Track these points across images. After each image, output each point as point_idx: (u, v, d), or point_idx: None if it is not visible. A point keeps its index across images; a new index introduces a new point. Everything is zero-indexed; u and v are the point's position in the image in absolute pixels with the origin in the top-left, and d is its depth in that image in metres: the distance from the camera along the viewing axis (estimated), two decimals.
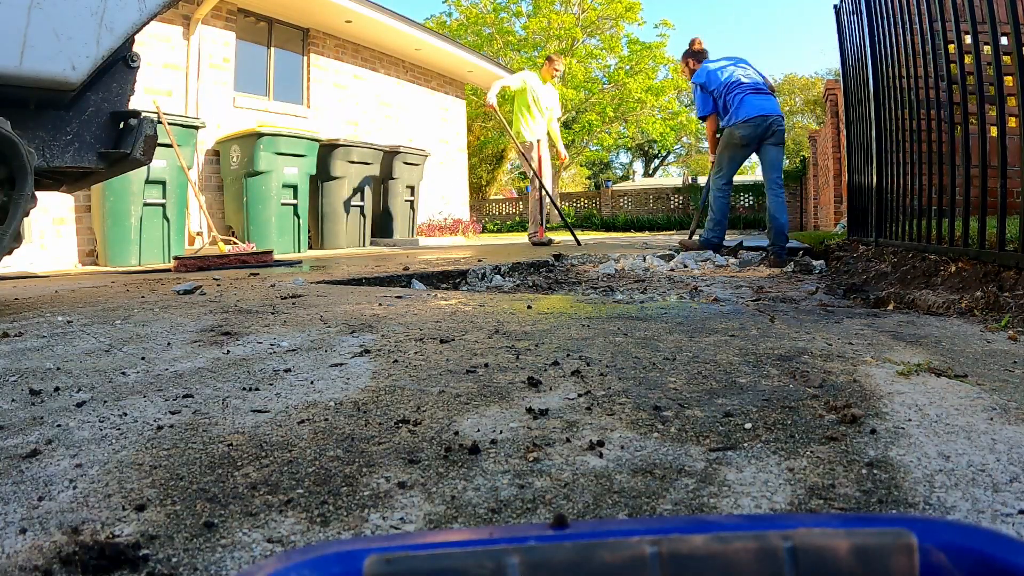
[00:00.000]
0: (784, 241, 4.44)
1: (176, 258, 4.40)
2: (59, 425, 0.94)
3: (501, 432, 0.87)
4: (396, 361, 1.31)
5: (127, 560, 0.56)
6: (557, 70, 6.96)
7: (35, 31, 2.18)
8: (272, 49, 7.62)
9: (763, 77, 4.81)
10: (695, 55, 5.14)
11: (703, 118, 5.01)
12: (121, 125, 2.62)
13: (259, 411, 0.99)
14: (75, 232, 5.50)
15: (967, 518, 0.62)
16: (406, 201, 8.29)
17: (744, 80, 4.66)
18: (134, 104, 2.72)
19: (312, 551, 0.28)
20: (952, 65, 2.61)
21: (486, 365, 1.25)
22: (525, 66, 20.82)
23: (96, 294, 2.71)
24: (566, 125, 22.94)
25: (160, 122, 5.01)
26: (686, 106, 23.58)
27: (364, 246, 7.60)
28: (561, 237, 8.28)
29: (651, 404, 0.98)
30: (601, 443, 0.82)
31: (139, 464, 0.79)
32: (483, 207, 23.90)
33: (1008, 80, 2.18)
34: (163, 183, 5.40)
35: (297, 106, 7.85)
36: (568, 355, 1.32)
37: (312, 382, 1.16)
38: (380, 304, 2.17)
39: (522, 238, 12.31)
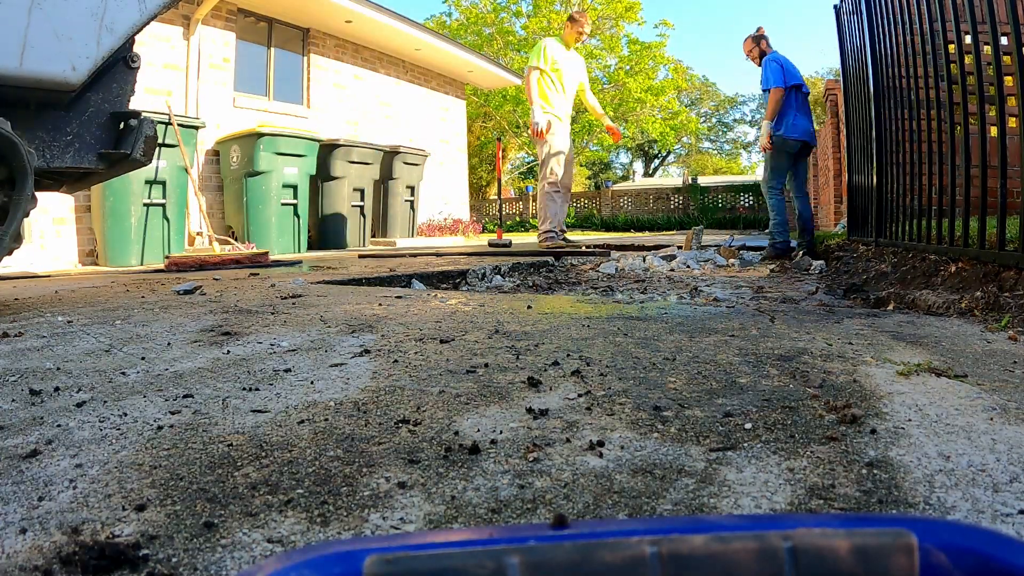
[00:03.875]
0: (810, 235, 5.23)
1: (167, 257, 4.39)
2: (59, 425, 0.94)
3: (501, 432, 0.87)
4: (396, 361, 1.31)
5: (127, 560, 0.56)
6: (582, 32, 5.65)
7: (35, 31, 2.18)
8: (272, 49, 7.62)
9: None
10: (763, 38, 5.32)
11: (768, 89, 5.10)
12: (121, 126, 2.62)
13: (259, 411, 0.99)
14: (75, 232, 5.50)
15: (967, 518, 0.62)
16: (406, 201, 8.29)
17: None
18: (142, 105, 2.72)
19: (312, 551, 0.28)
20: (952, 65, 2.61)
21: (486, 365, 1.25)
22: (525, 66, 20.86)
23: (96, 294, 2.71)
24: None
25: (171, 123, 5.00)
26: (686, 106, 23.57)
27: (364, 246, 7.60)
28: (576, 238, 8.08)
29: (651, 404, 0.98)
30: (601, 443, 0.82)
31: (139, 464, 0.79)
32: (483, 207, 23.90)
33: (1008, 80, 2.18)
34: (163, 183, 5.40)
35: (297, 106, 7.85)
36: (568, 355, 1.32)
37: (312, 382, 1.16)
38: (380, 304, 2.17)
39: (524, 238, 12.29)
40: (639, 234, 13.56)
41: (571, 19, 5.86)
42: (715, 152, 40.11)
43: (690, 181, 21.58)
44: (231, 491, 0.70)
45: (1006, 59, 2.26)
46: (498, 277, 3.74)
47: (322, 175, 7.01)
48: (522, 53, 21.61)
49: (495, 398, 1.03)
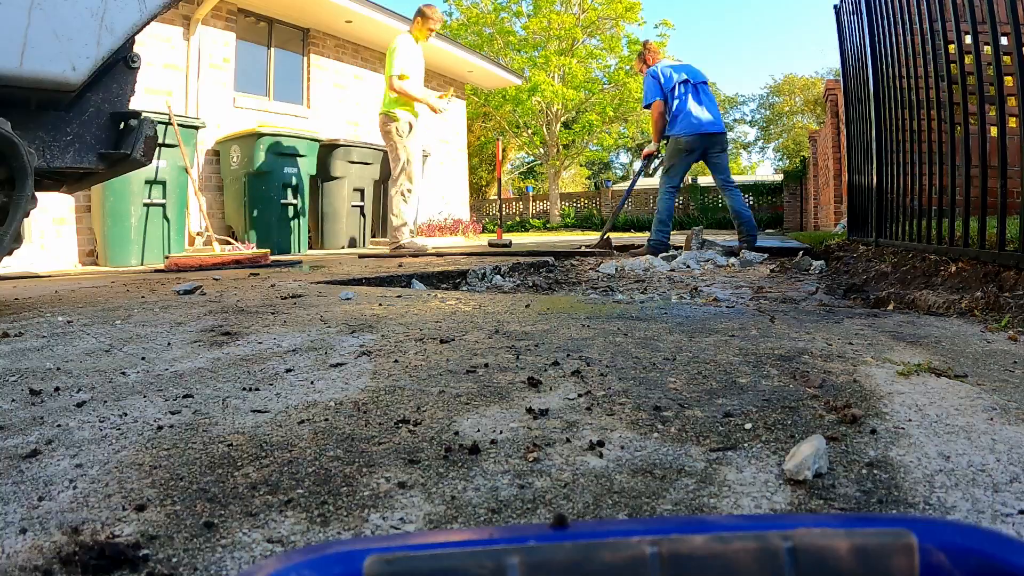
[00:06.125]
0: (753, 230, 5.10)
1: (168, 257, 4.40)
2: (59, 425, 0.94)
3: (501, 432, 0.87)
4: (396, 361, 1.31)
5: (127, 560, 0.56)
6: (432, 29, 5.53)
7: (35, 32, 2.18)
8: (272, 49, 7.62)
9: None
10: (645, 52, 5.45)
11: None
12: (121, 126, 2.62)
13: (259, 411, 0.99)
14: (75, 232, 5.50)
15: (967, 518, 0.62)
16: None
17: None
18: (142, 105, 2.72)
19: (312, 551, 0.28)
20: (952, 65, 2.61)
21: (486, 365, 1.25)
22: (525, 66, 20.85)
23: (96, 294, 2.71)
24: (566, 125, 22.93)
25: (171, 123, 5.01)
26: None
27: (364, 246, 7.60)
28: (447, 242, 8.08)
29: (651, 404, 0.98)
30: (601, 443, 0.82)
31: (139, 464, 0.79)
32: (483, 207, 23.91)
33: (1008, 80, 2.18)
34: (163, 183, 5.40)
35: (297, 106, 7.85)
36: (568, 355, 1.32)
37: (312, 382, 1.16)
38: (380, 304, 2.17)
39: (524, 238, 12.29)
40: (639, 234, 13.56)
41: (422, 14, 5.58)
42: None
43: (690, 181, 21.58)
44: (231, 491, 0.70)
45: (1006, 59, 2.27)
46: (498, 277, 3.74)
47: (322, 175, 7.01)
48: (522, 53, 21.62)
49: (495, 398, 1.03)
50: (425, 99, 5.52)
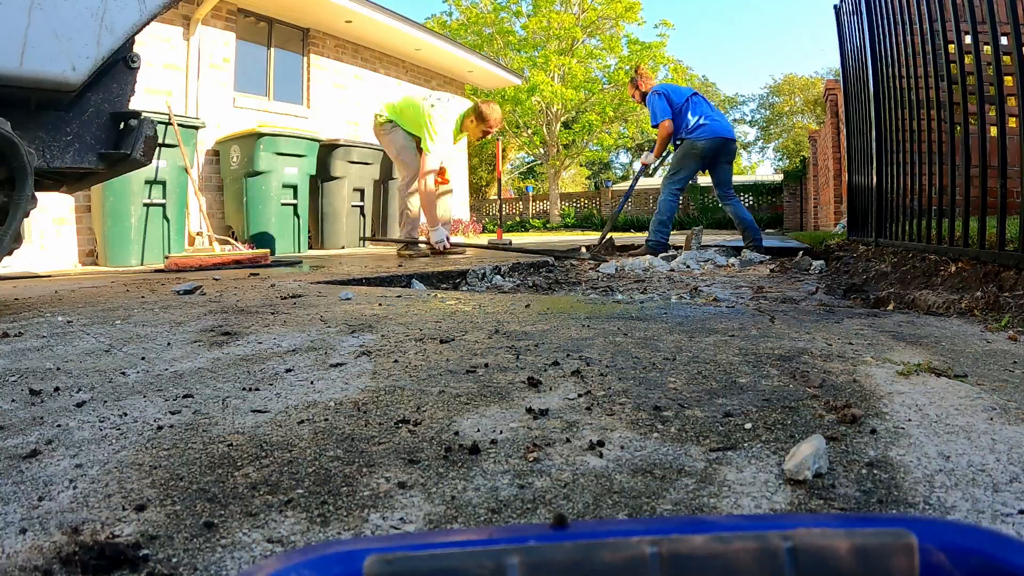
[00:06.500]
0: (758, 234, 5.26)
1: (167, 257, 4.40)
2: (59, 425, 0.94)
3: (501, 432, 0.87)
4: (396, 361, 1.31)
5: (127, 560, 0.56)
6: (486, 132, 4.87)
7: (35, 32, 2.18)
8: (272, 49, 7.62)
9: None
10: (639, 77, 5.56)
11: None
12: (121, 126, 2.62)
13: (259, 411, 0.99)
14: (75, 232, 5.50)
15: (967, 518, 0.62)
16: None
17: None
18: (142, 105, 2.72)
19: (312, 551, 0.28)
20: (952, 65, 2.61)
21: (486, 365, 1.25)
22: (525, 66, 20.84)
23: (96, 294, 2.71)
24: (566, 125, 22.92)
25: (171, 123, 5.01)
26: None
27: (364, 246, 7.60)
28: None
29: (651, 404, 0.98)
30: (601, 443, 0.82)
31: (139, 464, 0.79)
32: (483, 207, 23.90)
33: (1008, 80, 2.18)
34: (163, 183, 5.40)
35: (297, 106, 7.85)
36: (568, 355, 1.32)
37: (312, 382, 1.16)
38: (380, 304, 2.17)
39: (524, 238, 12.27)
40: (639, 234, 13.56)
41: (480, 116, 4.87)
42: None
43: (690, 181, 21.58)
44: (231, 491, 0.70)
45: (1006, 59, 2.27)
46: (498, 277, 3.74)
47: (322, 175, 7.01)
48: (522, 53, 21.61)
49: (495, 398, 1.03)
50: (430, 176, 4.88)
